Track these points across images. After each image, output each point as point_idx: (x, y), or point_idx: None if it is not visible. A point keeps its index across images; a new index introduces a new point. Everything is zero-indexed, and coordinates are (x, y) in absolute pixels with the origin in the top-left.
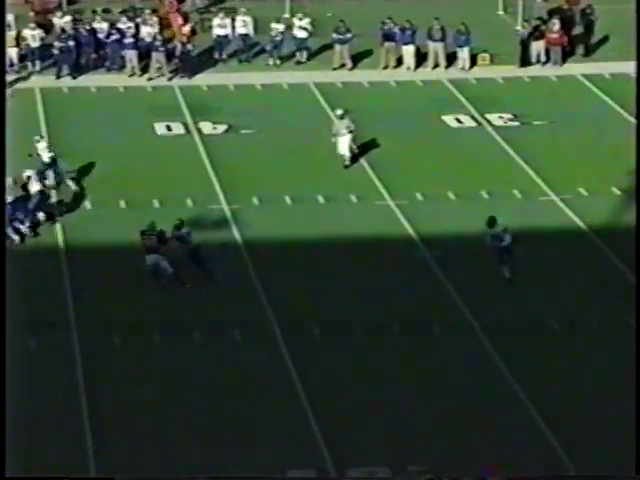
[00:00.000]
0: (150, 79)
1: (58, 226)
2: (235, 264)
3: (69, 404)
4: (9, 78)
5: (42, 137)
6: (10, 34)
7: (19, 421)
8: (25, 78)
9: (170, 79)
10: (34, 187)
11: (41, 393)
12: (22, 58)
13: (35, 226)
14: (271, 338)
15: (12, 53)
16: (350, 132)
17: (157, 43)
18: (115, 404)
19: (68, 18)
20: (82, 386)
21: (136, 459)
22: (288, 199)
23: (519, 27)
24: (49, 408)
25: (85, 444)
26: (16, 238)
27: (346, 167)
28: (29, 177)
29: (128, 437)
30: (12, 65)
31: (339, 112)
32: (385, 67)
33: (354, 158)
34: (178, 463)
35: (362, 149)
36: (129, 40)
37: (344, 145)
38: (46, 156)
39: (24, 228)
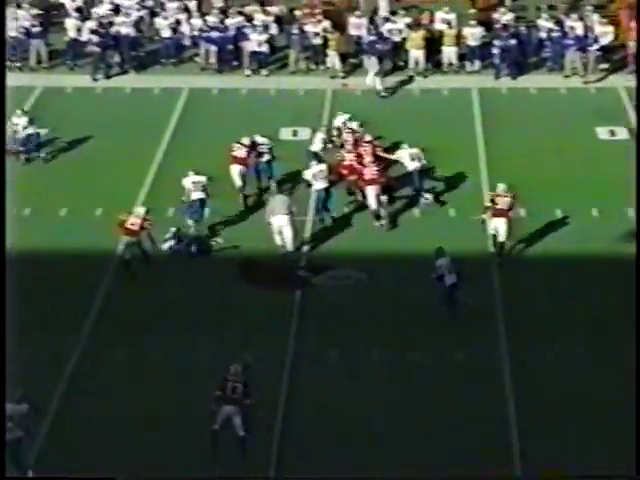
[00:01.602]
0: (586, 82)
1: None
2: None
3: None
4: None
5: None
6: (451, 32)
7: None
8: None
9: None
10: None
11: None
12: (461, 57)
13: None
14: None
15: (451, 52)
16: None
17: (589, 41)
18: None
19: (511, 16)
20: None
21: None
22: None
23: None
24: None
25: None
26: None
27: None
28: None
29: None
30: (451, 64)
31: None
32: None
33: None
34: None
35: None
36: (569, 41)
37: None
38: None
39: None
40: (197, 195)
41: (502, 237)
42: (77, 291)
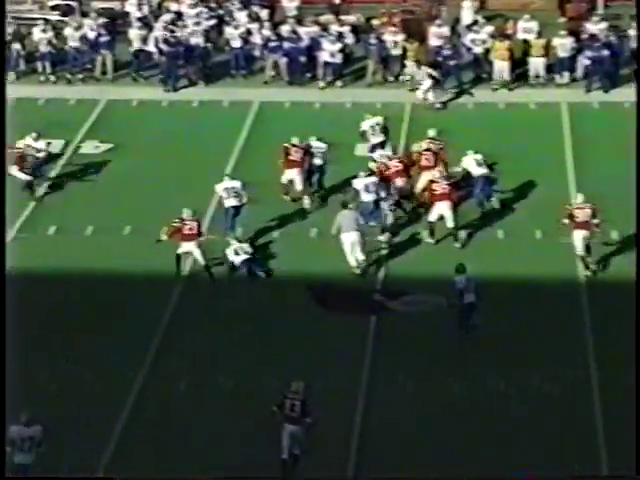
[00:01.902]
0: None
1: None
2: None
3: None
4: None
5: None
6: (538, 42)
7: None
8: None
9: None
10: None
11: None
12: (549, 68)
13: None
14: None
15: (538, 63)
16: None
17: None
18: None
19: (604, 25)
20: None
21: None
22: None
23: None
24: None
25: None
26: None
27: None
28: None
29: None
30: (538, 76)
31: None
32: None
33: None
34: None
35: None
36: None
37: None
38: None
39: None
40: (229, 202)
41: (582, 251)
42: (144, 310)
